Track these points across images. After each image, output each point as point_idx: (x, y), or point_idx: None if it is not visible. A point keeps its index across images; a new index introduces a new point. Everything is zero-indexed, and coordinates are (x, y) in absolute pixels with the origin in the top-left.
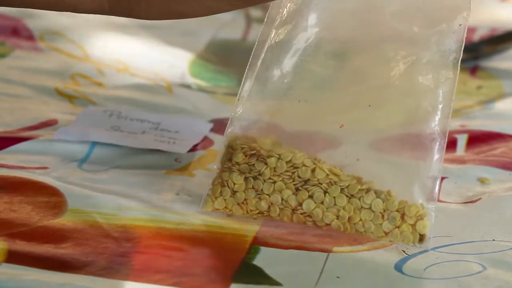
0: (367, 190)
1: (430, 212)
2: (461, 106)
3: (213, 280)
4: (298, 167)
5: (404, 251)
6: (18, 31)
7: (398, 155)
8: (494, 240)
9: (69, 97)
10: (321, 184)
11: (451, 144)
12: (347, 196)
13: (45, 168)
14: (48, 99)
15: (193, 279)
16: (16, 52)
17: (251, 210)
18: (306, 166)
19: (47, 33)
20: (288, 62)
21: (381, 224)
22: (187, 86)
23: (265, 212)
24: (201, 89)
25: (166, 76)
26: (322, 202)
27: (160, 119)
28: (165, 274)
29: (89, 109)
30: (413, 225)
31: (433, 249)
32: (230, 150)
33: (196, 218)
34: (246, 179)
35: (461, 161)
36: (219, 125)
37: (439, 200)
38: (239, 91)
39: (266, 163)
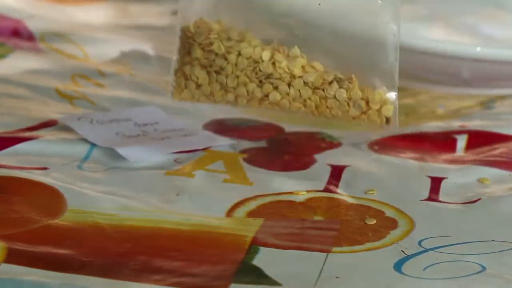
0: (330, 82)
1: (393, 96)
2: (461, 107)
3: (213, 280)
4: (259, 62)
5: (403, 251)
6: (18, 32)
7: (356, 39)
8: (493, 240)
9: (69, 98)
10: (284, 78)
11: (451, 145)
12: (311, 88)
13: (45, 168)
14: (48, 99)
15: (193, 279)
16: (16, 52)
17: (218, 101)
18: (266, 61)
19: (47, 34)
20: None
21: (348, 111)
22: None
23: (232, 102)
24: None
25: (166, 76)
26: (288, 94)
27: (127, 114)
28: (165, 274)
29: (69, 119)
30: (379, 110)
31: (433, 249)
32: (187, 44)
33: (195, 219)
34: (209, 73)
35: (461, 161)
36: (219, 126)
37: (438, 201)
38: None
39: (226, 59)
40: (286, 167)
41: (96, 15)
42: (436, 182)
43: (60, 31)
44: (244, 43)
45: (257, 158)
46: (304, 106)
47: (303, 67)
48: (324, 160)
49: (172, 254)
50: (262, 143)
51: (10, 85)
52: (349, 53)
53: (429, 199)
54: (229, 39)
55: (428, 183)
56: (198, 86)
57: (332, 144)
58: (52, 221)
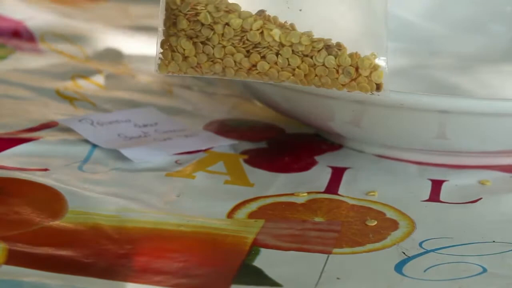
0: (319, 49)
1: (382, 62)
2: None
3: (213, 281)
4: (246, 31)
5: (404, 253)
6: (19, 33)
7: (342, 5)
8: (494, 241)
9: (70, 99)
10: (272, 46)
11: None
12: (299, 56)
13: (46, 170)
14: (48, 100)
15: (193, 280)
16: (16, 53)
17: (206, 72)
18: (254, 30)
19: (48, 35)
20: None
21: (337, 78)
22: (188, 87)
23: (220, 73)
24: (201, 90)
25: (166, 77)
26: (275, 63)
27: (127, 115)
28: (165, 275)
29: (70, 121)
30: (368, 77)
31: (433, 250)
32: (172, 15)
33: (196, 220)
34: (195, 44)
35: (461, 166)
36: (219, 127)
37: (439, 201)
38: None
39: (212, 29)
40: (286, 169)
41: (96, 16)
42: (436, 184)
43: (60, 32)
44: (233, 14)
45: (258, 160)
46: (293, 75)
47: (288, 29)
48: (325, 162)
49: (173, 255)
50: (263, 144)
51: (11, 86)
52: (337, 19)
53: (430, 199)
54: (217, 10)
55: (429, 185)
56: (185, 57)
57: (333, 146)
58: (52, 223)
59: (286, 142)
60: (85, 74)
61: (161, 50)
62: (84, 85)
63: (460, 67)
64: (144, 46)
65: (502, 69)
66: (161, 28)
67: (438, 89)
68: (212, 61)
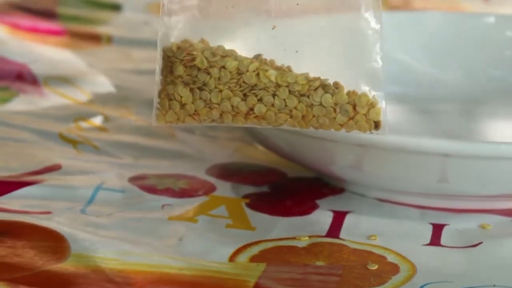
0: (315, 88)
1: (380, 98)
2: None
3: None
4: (242, 73)
5: None
6: (23, 76)
7: (337, 44)
8: (494, 285)
9: (73, 142)
10: (269, 87)
11: None
12: (296, 96)
13: (48, 213)
14: (52, 144)
15: None
16: (20, 96)
17: (204, 120)
18: (250, 71)
19: (51, 78)
20: None
21: (335, 118)
22: (190, 131)
23: (218, 120)
24: (203, 134)
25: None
26: (273, 105)
27: None
28: None
29: None
30: (366, 114)
31: None
32: (169, 63)
33: (198, 264)
34: (192, 90)
35: (462, 210)
36: (221, 170)
37: (440, 245)
38: None
39: (209, 73)
40: (288, 212)
41: (99, 59)
42: (437, 228)
43: (63, 75)
44: (229, 58)
45: (260, 203)
46: (291, 116)
47: (285, 70)
48: (327, 205)
49: None
50: (265, 188)
51: (14, 129)
52: (333, 59)
53: (431, 243)
54: (214, 55)
55: (430, 229)
56: (182, 105)
57: (334, 190)
58: (55, 266)
59: (288, 186)
60: (88, 117)
61: (159, 100)
62: (87, 128)
63: (460, 111)
64: (146, 89)
65: (502, 112)
66: (158, 77)
67: (439, 134)
68: (209, 107)
